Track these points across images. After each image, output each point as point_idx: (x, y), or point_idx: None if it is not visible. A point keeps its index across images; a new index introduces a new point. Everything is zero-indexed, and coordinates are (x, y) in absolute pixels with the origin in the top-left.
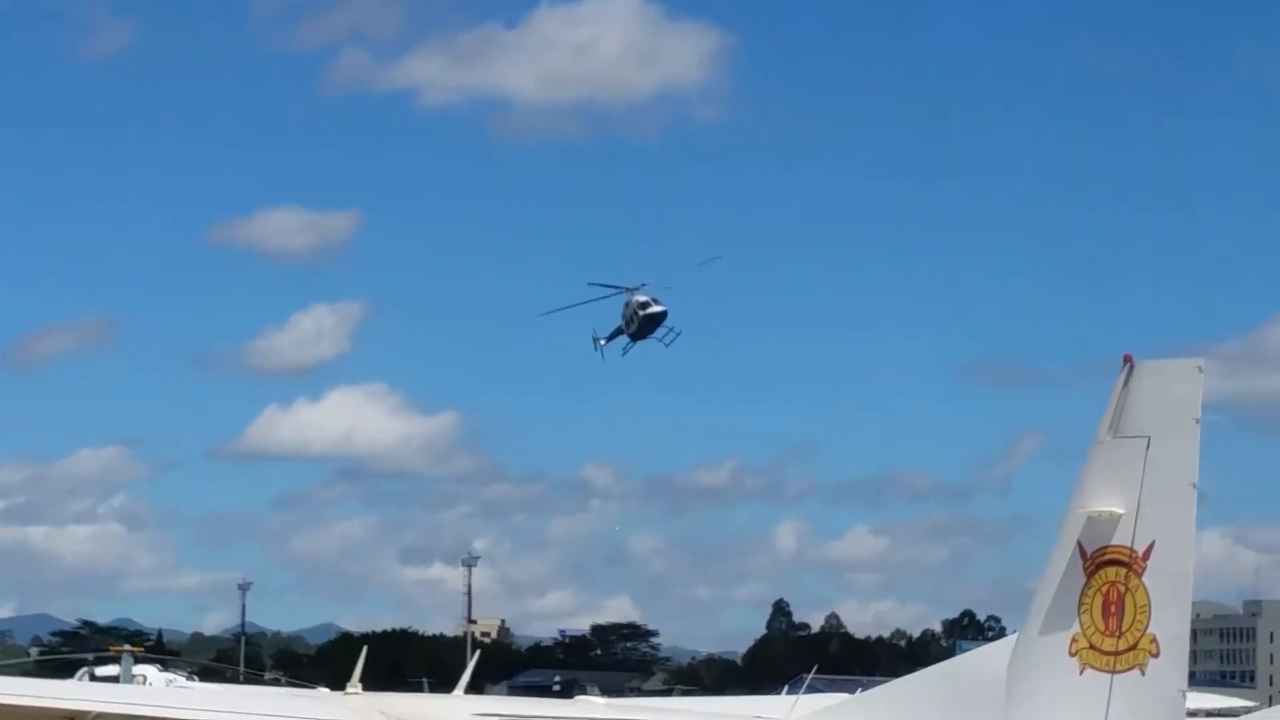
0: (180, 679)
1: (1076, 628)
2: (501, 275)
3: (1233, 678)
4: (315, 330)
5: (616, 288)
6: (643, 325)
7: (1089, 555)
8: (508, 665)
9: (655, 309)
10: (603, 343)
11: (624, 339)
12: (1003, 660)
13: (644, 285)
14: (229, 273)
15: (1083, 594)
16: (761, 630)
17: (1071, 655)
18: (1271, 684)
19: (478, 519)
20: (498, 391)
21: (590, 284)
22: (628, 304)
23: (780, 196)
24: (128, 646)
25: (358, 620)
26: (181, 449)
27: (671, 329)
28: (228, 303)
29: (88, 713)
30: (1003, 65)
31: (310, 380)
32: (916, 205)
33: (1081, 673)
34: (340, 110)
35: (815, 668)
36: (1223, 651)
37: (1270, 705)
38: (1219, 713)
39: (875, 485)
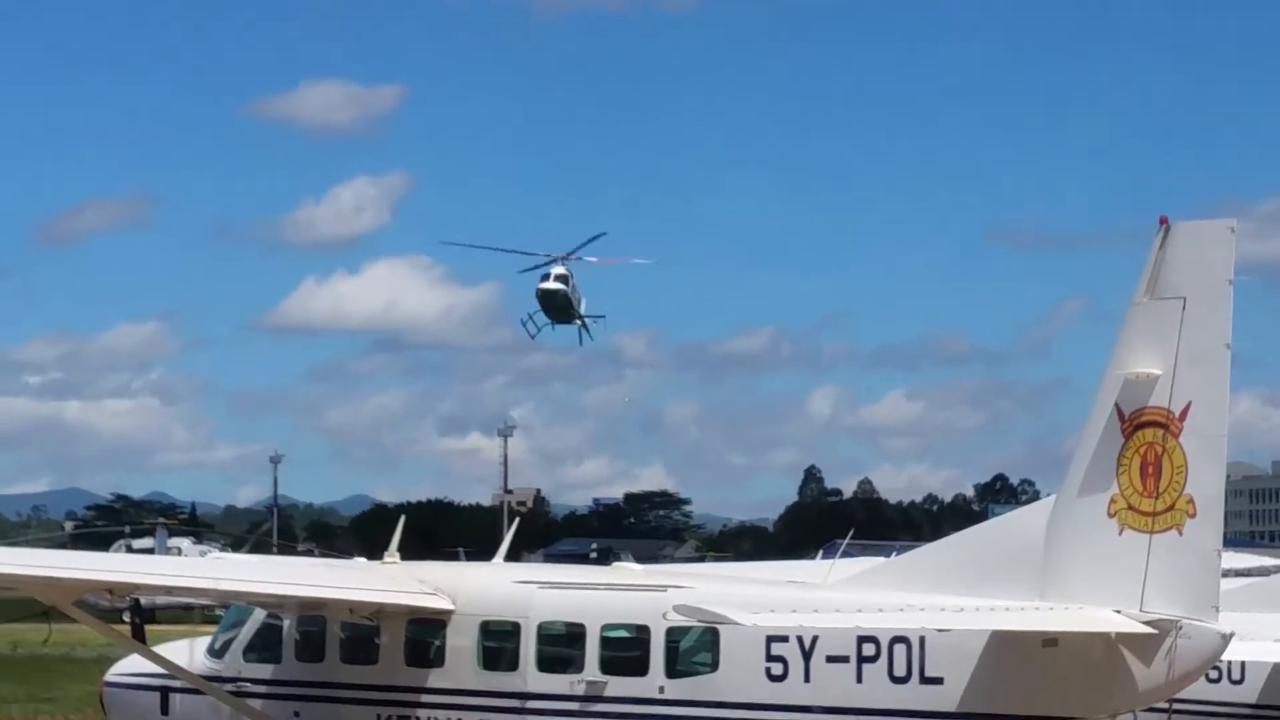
0: (214, 551)
1: (1115, 489)
2: (542, 145)
3: (1262, 538)
4: (356, 202)
5: (544, 257)
6: (541, 303)
7: (1127, 417)
8: (543, 534)
9: (545, 285)
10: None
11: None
12: (1038, 523)
13: (573, 255)
14: (269, 147)
15: (1121, 455)
16: (794, 497)
17: (1110, 516)
18: None
19: (514, 389)
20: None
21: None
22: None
23: (814, 64)
24: (162, 520)
25: (392, 491)
26: (218, 323)
27: (584, 317)
28: (267, 176)
29: (126, 584)
30: None
31: (351, 252)
32: (952, 68)
33: (1120, 533)
34: None
35: (851, 532)
36: (1252, 512)
37: None
38: (1250, 572)
39: (912, 350)
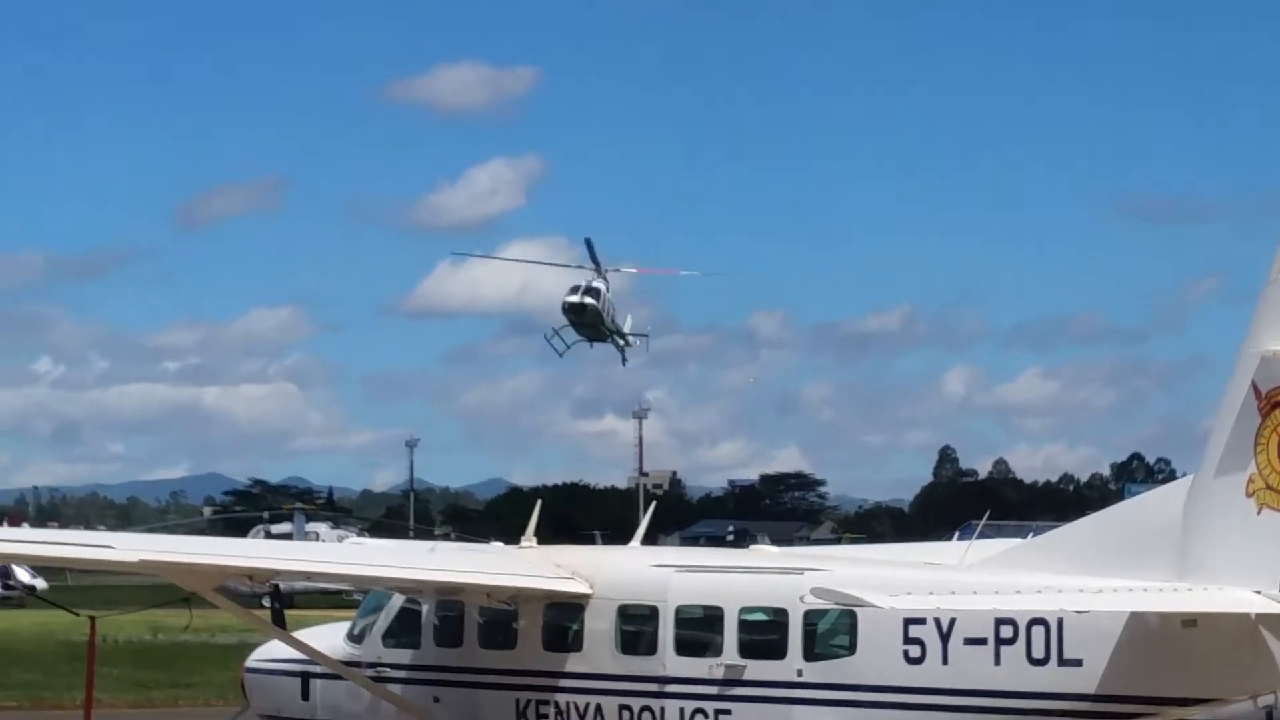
0: (352, 536)
1: (1253, 468)
2: (675, 125)
3: None
4: (490, 185)
5: (578, 267)
6: (569, 317)
7: (1264, 395)
8: (679, 517)
9: (572, 299)
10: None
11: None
12: (1176, 503)
13: (612, 269)
14: (404, 129)
15: (1258, 435)
16: (928, 477)
17: (1248, 496)
18: None
19: (649, 370)
20: (673, 243)
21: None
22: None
23: (946, 37)
24: (300, 505)
25: (528, 475)
26: (354, 307)
27: (621, 334)
28: (402, 159)
29: (266, 570)
30: None
31: (486, 235)
32: (1085, 40)
33: (1259, 513)
34: None
35: (988, 513)
36: None
37: None
38: None
39: (1047, 328)
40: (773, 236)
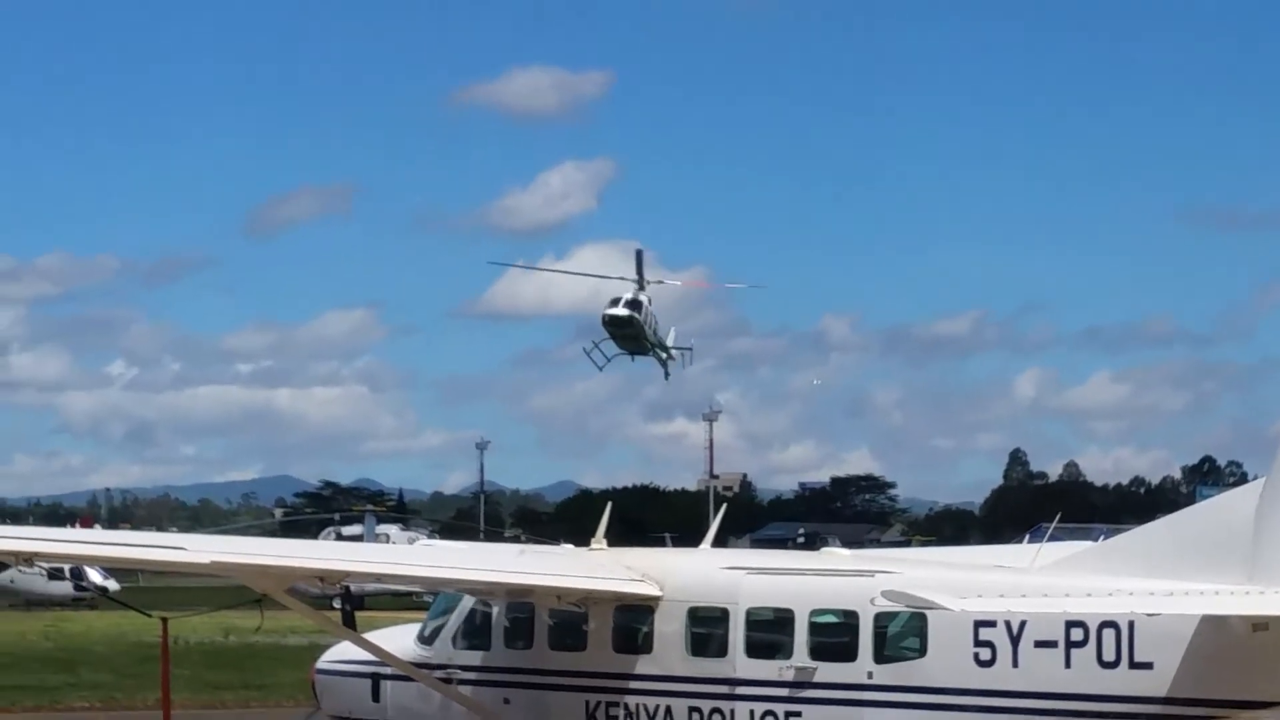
0: (422, 538)
1: None
2: (749, 131)
3: None
4: (562, 189)
5: (619, 279)
6: (609, 330)
7: None
8: (750, 519)
9: (612, 311)
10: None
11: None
12: (1247, 506)
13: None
14: (476, 133)
15: None
16: (998, 480)
17: None
18: None
19: (720, 373)
20: (744, 248)
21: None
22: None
23: (1003, 41)
24: (370, 507)
25: (598, 477)
26: (425, 310)
27: (665, 347)
28: (474, 163)
29: (338, 571)
30: None
31: (557, 239)
32: (1155, 45)
33: None
34: None
35: (1058, 516)
36: None
37: None
38: None
39: (1118, 332)
40: (843, 242)
